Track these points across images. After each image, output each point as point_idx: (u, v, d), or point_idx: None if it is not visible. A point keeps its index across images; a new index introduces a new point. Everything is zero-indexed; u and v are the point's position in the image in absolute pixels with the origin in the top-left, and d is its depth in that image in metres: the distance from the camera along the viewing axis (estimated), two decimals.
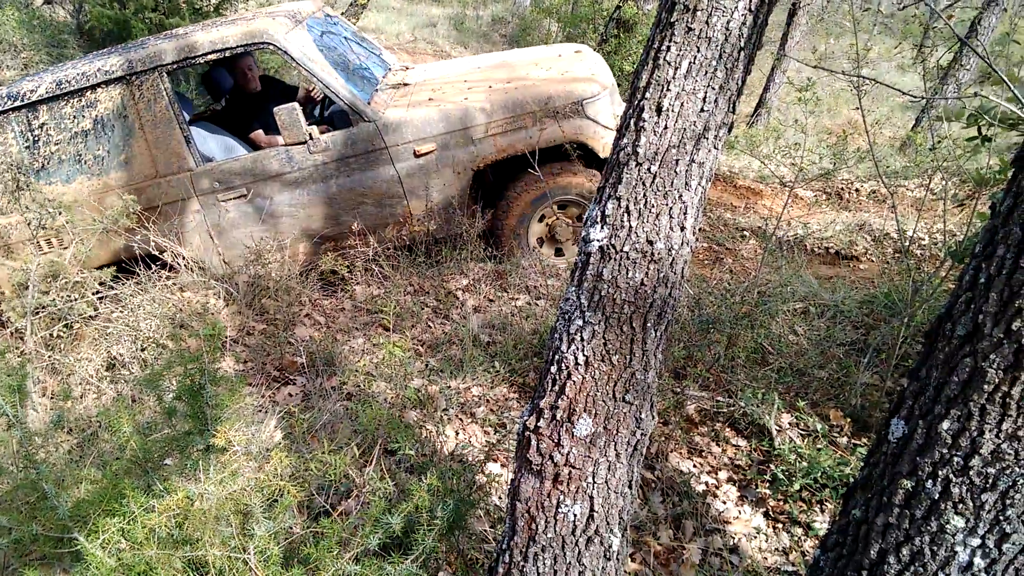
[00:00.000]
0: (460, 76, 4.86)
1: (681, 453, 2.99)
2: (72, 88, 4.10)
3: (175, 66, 4.11)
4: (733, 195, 6.39)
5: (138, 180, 4.20)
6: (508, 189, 4.52)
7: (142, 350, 3.60)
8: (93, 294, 3.79)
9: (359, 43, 5.20)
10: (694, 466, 2.93)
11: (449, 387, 3.41)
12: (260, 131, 4.63)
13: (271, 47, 4.13)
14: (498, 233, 4.55)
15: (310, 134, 4.20)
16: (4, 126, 4.13)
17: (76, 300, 3.73)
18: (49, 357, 3.55)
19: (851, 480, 2.68)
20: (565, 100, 4.34)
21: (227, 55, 4.14)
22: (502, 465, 2.93)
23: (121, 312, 3.72)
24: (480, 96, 4.41)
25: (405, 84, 4.83)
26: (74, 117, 4.17)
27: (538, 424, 1.69)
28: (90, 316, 3.71)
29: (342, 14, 11.28)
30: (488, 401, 3.37)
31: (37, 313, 3.64)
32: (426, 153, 4.33)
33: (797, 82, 5.76)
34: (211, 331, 2.30)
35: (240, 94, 4.92)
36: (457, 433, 3.13)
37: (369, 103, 4.31)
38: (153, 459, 2.24)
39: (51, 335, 3.72)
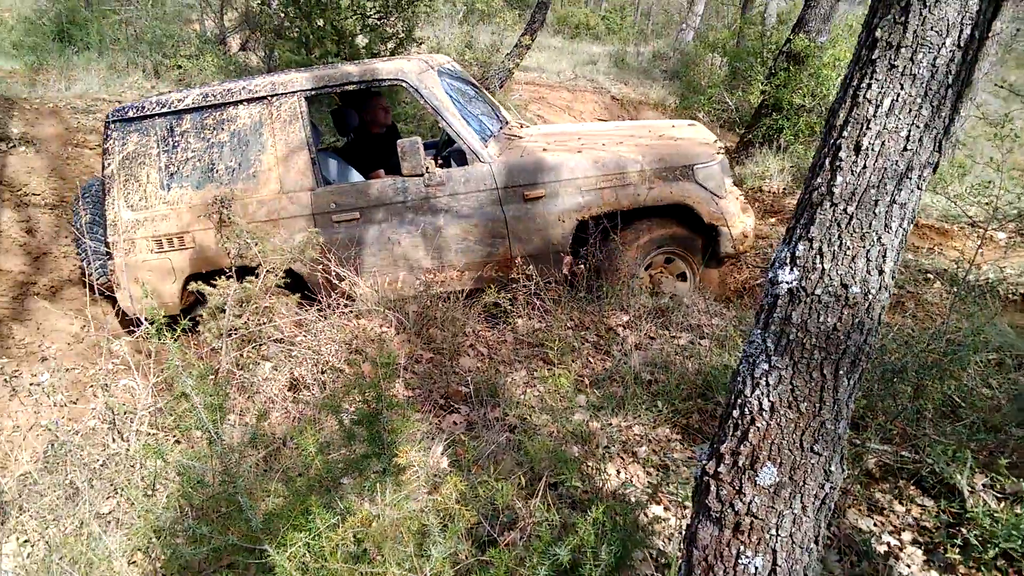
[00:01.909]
0: (574, 134, 5.04)
1: (860, 509, 2.81)
2: (216, 102, 4.45)
3: (313, 92, 4.43)
4: (914, 234, 6.01)
5: (262, 193, 4.48)
6: (617, 238, 4.57)
7: (322, 373, 3.81)
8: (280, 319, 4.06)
9: (480, 98, 5.48)
10: (875, 524, 2.75)
11: (610, 424, 3.39)
12: (381, 171, 4.91)
13: (404, 84, 4.40)
14: (606, 279, 4.60)
15: (427, 167, 4.40)
16: (149, 129, 4.50)
17: (265, 324, 4.02)
18: (239, 376, 3.83)
19: None
20: (676, 163, 4.47)
21: (363, 88, 4.44)
22: (665, 508, 2.87)
23: (304, 336, 3.96)
24: (593, 151, 4.55)
25: (519, 136, 5.03)
26: (213, 128, 4.50)
27: (718, 469, 1.64)
28: (277, 339, 3.97)
29: (506, 55, 11.66)
30: (650, 441, 3.32)
31: (230, 335, 3.94)
32: (535, 198, 4.48)
33: (987, 115, 5.37)
34: (387, 360, 2.41)
35: (365, 133, 5.25)
36: (619, 472, 3.10)
37: (486, 146, 4.51)
38: (333, 477, 2.35)
39: (241, 355, 4.01)
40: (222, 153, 4.49)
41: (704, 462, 1.69)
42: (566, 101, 13.85)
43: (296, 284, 4.55)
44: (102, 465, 3.07)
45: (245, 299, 4.05)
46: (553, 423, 3.32)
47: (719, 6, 20.51)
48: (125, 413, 3.24)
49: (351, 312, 4.30)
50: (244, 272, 4.57)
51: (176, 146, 4.52)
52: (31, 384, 3.55)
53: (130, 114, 4.51)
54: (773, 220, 6.58)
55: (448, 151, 5.03)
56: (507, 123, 5.46)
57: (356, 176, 4.98)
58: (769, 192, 7.11)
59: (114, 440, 3.25)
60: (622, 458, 3.19)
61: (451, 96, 4.78)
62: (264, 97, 4.44)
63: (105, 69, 9.15)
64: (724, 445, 1.64)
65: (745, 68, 8.73)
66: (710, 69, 10.22)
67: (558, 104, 13.91)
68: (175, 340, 2.54)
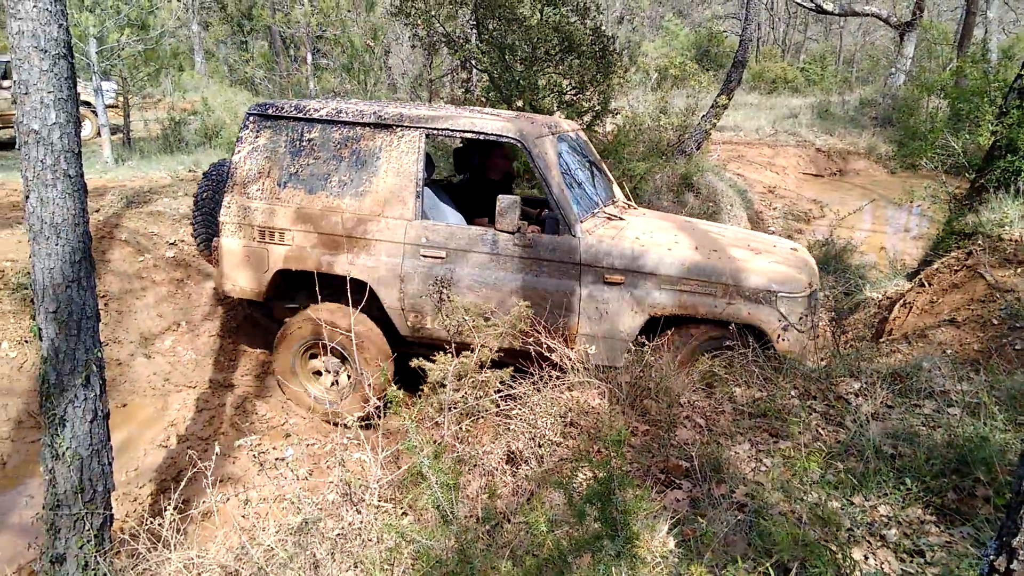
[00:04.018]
0: (671, 228, 5.01)
1: None
2: (346, 119, 4.72)
3: (435, 132, 4.66)
4: None
5: (364, 212, 4.69)
6: (672, 334, 4.58)
7: (539, 446, 3.82)
8: (496, 392, 4.14)
9: (597, 170, 5.58)
10: None
11: (851, 503, 3.10)
12: (485, 220, 5.10)
13: (518, 144, 4.56)
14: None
15: (520, 227, 4.50)
16: (281, 129, 4.81)
17: (481, 397, 4.11)
18: (460, 448, 3.92)
19: None
20: (762, 285, 4.41)
21: (480, 139, 4.66)
22: None
23: (520, 409, 4.00)
24: (684, 251, 4.54)
25: (620, 218, 5.05)
26: (337, 143, 4.75)
27: (1010, 567, 1.43)
28: (494, 412, 4.04)
29: (702, 117, 11.54)
30: (900, 523, 3.00)
31: (450, 409, 4.06)
32: (614, 283, 4.50)
33: None
34: (616, 437, 2.36)
35: (481, 177, 5.49)
36: (866, 557, 2.82)
37: (581, 221, 4.58)
38: (563, 557, 2.31)
39: (460, 428, 4.12)
40: (339, 167, 4.78)
41: (991, 556, 1.48)
42: (767, 157, 13.45)
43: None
44: (338, 536, 3.22)
45: (462, 373, 4.18)
46: (787, 501, 3.10)
47: (931, 46, 19.25)
48: (360, 486, 3.40)
49: (563, 384, 4.31)
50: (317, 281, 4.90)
51: (301, 150, 4.85)
52: (276, 459, 3.84)
53: (269, 111, 4.91)
54: (1019, 270, 5.90)
55: (547, 215, 5.07)
56: (615, 202, 5.49)
57: (451, 215, 5.18)
58: (1010, 240, 6.41)
59: (348, 512, 3.42)
60: (869, 541, 2.90)
61: (564, 164, 4.89)
62: (390, 126, 4.70)
63: None
64: (1016, 539, 1.43)
65: (970, 109, 8.05)
66: (931, 113, 9.51)
67: (758, 161, 13.55)
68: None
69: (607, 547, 2.15)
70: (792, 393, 4.08)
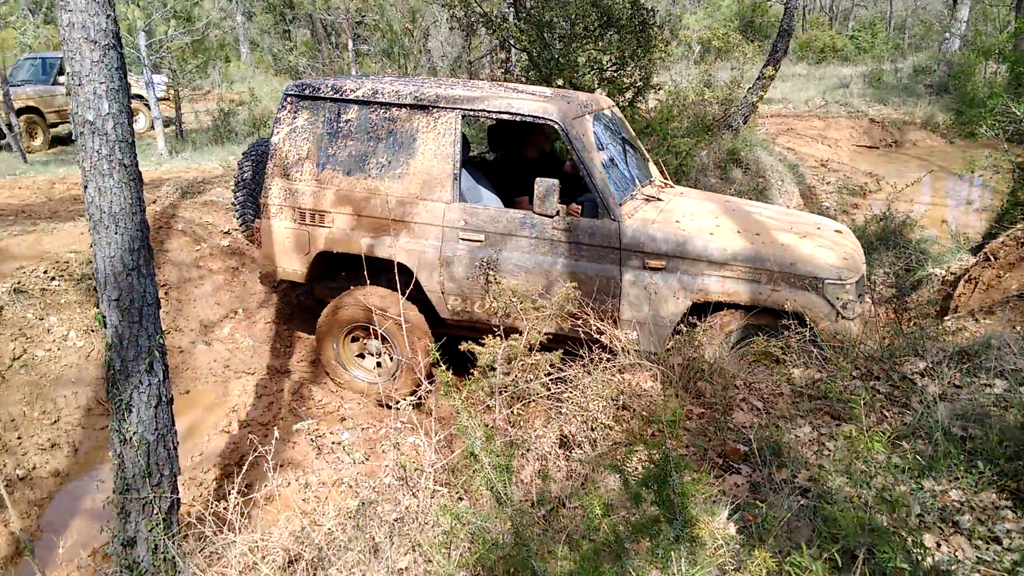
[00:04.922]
0: (712, 210, 4.86)
1: None
2: (383, 100, 4.65)
3: (471, 112, 4.58)
4: None
5: (401, 194, 4.65)
6: (708, 318, 4.47)
7: (591, 430, 3.77)
8: (546, 375, 4.10)
9: (633, 149, 5.42)
10: None
11: (921, 488, 3.00)
12: (525, 199, 5.05)
13: (555, 125, 4.47)
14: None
15: (558, 211, 4.42)
16: (319, 109, 4.77)
17: (531, 381, 4.07)
18: (512, 432, 3.90)
19: None
20: (808, 272, 4.28)
21: (516, 120, 4.57)
22: None
23: (571, 392, 3.96)
24: (727, 235, 4.42)
25: (659, 199, 4.91)
26: (374, 124, 4.68)
27: None
28: (545, 396, 4.00)
29: (748, 89, 11.28)
30: (973, 508, 2.89)
31: (501, 393, 4.03)
32: (655, 268, 4.39)
33: None
34: (672, 418, 2.30)
35: (517, 155, 5.39)
36: (939, 544, 2.72)
37: (620, 204, 4.46)
38: (620, 542, 2.26)
39: (512, 412, 4.09)
40: (376, 148, 4.72)
41: None
42: (818, 130, 13.12)
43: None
44: (396, 520, 3.23)
45: (511, 356, 4.15)
46: (852, 486, 3.00)
47: (986, 9, 18.46)
48: (415, 470, 3.40)
49: (614, 367, 4.25)
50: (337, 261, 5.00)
51: (338, 131, 4.79)
52: (333, 443, 3.87)
53: (306, 92, 4.87)
54: None
55: (584, 197, 4.96)
56: (652, 181, 5.35)
57: (488, 196, 5.12)
58: None
59: (404, 495, 3.42)
60: (941, 528, 2.80)
61: (600, 143, 4.79)
62: (427, 107, 4.63)
63: None
64: None
65: None
66: (990, 78, 9.14)
67: (809, 134, 13.22)
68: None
69: (665, 531, 2.10)
70: (853, 374, 3.95)
